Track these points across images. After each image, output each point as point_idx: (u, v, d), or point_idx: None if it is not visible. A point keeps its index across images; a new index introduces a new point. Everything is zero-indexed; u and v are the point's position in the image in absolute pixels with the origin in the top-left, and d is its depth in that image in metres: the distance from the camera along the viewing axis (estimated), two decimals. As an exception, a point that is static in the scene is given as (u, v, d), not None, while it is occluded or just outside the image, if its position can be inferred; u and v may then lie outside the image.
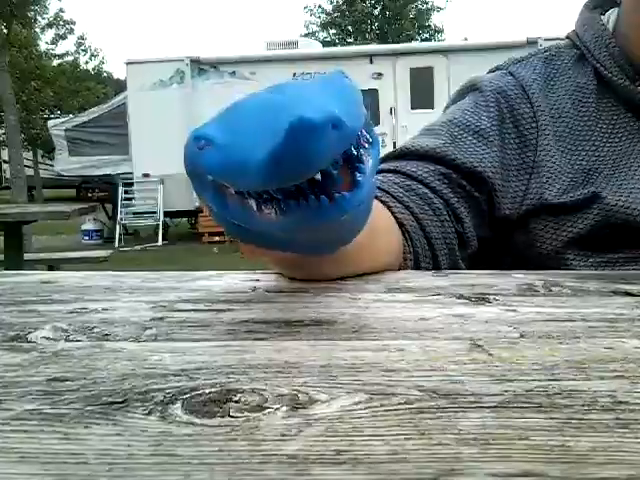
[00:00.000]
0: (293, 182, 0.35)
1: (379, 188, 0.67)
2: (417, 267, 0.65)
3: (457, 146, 0.73)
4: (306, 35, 23.08)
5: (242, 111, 0.37)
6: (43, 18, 18.68)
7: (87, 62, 22.52)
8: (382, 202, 0.65)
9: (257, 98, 0.38)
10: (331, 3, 24.99)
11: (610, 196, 0.70)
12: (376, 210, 0.62)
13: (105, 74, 23.80)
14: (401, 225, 0.64)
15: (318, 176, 0.36)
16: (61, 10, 19.75)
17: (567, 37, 0.83)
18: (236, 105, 0.38)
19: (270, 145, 0.33)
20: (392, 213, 0.65)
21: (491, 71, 0.83)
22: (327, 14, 25.13)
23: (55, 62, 20.42)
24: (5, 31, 10.49)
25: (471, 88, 0.81)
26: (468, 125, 0.75)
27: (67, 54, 21.31)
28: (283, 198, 0.37)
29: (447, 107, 0.83)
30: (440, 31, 25.85)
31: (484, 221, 0.73)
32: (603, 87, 0.76)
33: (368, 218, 0.45)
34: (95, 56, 22.56)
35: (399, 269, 0.63)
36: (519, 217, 0.73)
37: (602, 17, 0.81)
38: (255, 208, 0.38)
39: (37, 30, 18.37)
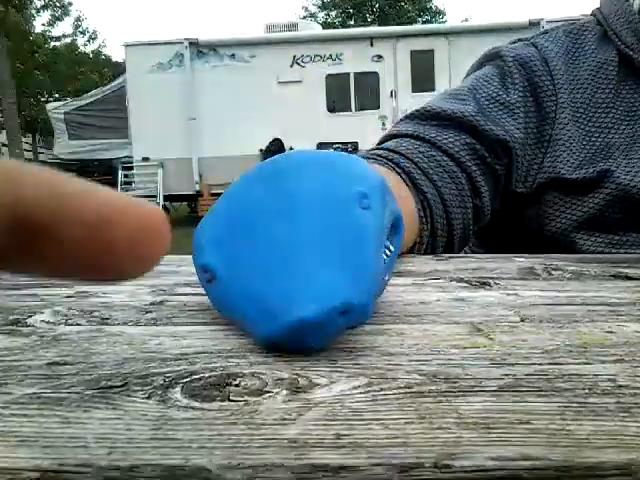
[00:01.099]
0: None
1: (405, 156, 0.67)
2: (433, 239, 0.66)
3: (485, 116, 0.72)
4: (305, 17, 22.92)
5: (243, 231, 0.33)
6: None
7: (86, 44, 22.38)
8: (408, 174, 0.65)
9: (261, 216, 0.33)
10: None
11: (623, 175, 0.70)
12: (398, 191, 0.62)
13: (103, 57, 23.64)
14: (425, 199, 0.65)
15: None
16: None
17: (591, 14, 0.83)
18: (236, 214, 0.34)
19: (266, 328, 0.30)
20: (417, 185, 0.65)
21: (513, 42, 0.83)
22: None
23: (52, 44, 20.30)
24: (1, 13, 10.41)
25: (494, 56, 0.80)
26: (494, 96, 0.75)
27: (64, 36, 21.16)
28: None
29: (468, 74, 0.82)
30: (442, 13, 25.66)
31: (498, 194, 0.74)
32: (625, 66, 0.76)
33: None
34: (94, 39, 22.39)
35: (413, 245, 0.63)
36: (532, 192, 0.73)
37: None
38: None
39: (32, 12, 18.24)
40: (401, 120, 0.77)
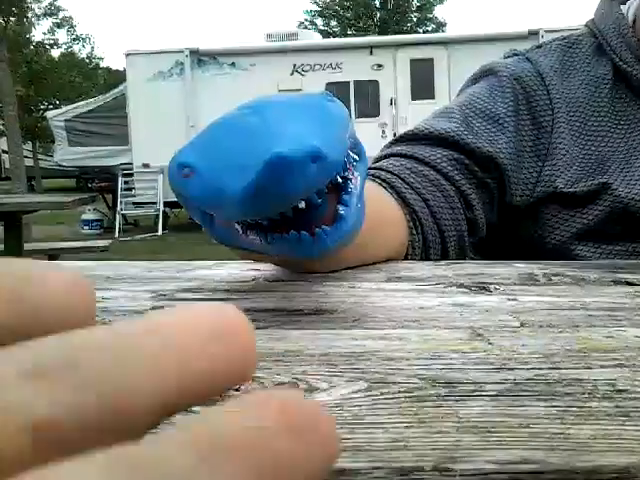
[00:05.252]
0: (272, 214, 0.35)
1: (391, 172, 0.67)
2: (426, 254, 0.66)
3: (471, 130, 0.72)
4: (305, 26, 23.00)
5: (221, 136, 0.36)
6: (39, 8, 18.66)
7: (80, 50, 22.48)
8: (394, 188, 0.65)
9: (236, 121, 0.37)
10: None
11: (621, 187, 0.70)
12: (382, 201, 0.62)
13: (99, 61, 23.71)
14: (413, 212, 0.64)
15: (302, 204, 0.35)
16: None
17: (586, 25, 0.82)
18: (215, 128, 0.37)
19: (246, 179, 0.32)
20: (403, 199, 0.64)
21: (507, 56, 0.82)
22: (327, 4, 24.98)
23: (51, 52, 20.43)
24: (2, 22, 10.47)
25: (487, 72, 0.80)
26: (483, 110, 0.74)
27: (56, 45, 21.24)
28: (266, 228, 0.37)
29: (462, 90, 0.82)
30: (443, 24, 25.67)
31: (494, 208, 0.73)
32: (619, 78, 0.76)
33: (359, 230, 0.43)
34: (85, 40, 22.38)
35: (406, 257, 0.63)
36: (529, 205, 0.73)
37: (622, 7, 0.80)
38: (240, 232, 0.38)
39: (32, 20, 18.35)
40: (391, 143, 0.77)
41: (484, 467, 0.21)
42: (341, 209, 0.38)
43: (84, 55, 22.68)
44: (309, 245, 0.37)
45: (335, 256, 0.45)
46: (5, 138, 11.19)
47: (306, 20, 25.20)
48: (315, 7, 25.36)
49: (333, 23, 25.06)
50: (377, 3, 24.65)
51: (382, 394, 0.26)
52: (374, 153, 0.77)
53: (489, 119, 0.74)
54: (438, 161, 0.69)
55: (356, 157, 0.42)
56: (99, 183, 11.12)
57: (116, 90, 11.30)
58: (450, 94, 8.42)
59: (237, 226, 0.39)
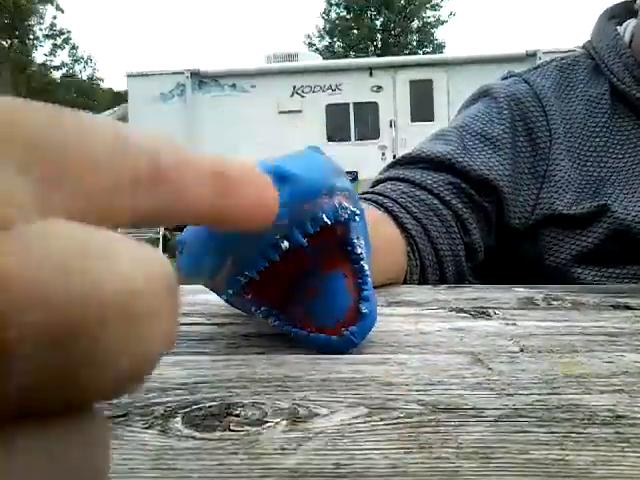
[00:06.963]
0: None
1: (388, 197, 0.68)
2: (424, 279, 0.65)
3: (468, 153, 0.72)
4: (310, 43, 23.21)
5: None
6: (40, 29, 18.90)
7: (81, 71, 22.73)
8: (391, 213, 0.65)
9: None
10: (337, 16, 25.10)
11: (621, 209, 0.70)
12: (380, 227, 0.63)
13: (100, 82, 23.93)
14: (410, 237, 0.65)
15: (285, 244, 0.33)
16: (54, 17, 20.03)
17: (583, 47, 0.83)
18: None
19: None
20: (401, 224, 0.65)
21: (505, 78, 0.83)
22: (331, 25, 25.17)
23: (53, 74, 20.68)
24: (6, 45, 10.57)
25: (484, 94, 0.80)
26: (479, 132, 0.74)
27: (62, 66, 21.48)
28: (289, 325, 0.38)
29: (459, 112, 0.83)
30: (442, 46, 25.85)
31: (492, 231, 0.73)
32: (617, 98, 0.76)
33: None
34: (87, 62, 22.58)
35: (404, 282, 0.63)
36: (528, 228, 0.73)
37: (619, 28, 0.80)
38: (252, 310, 0.39)
39: (34, 42, 18.58)
40: (388, 166, 0.77)
41: (484, 494, 0.21)
42: (364, 308, 0.36)
43: (85, 77, 22.91)
44: (338, 346, 0.36)
45: None
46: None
47: (309, 38, 25.44)
48: (317, 30, 25.61)
49: (337, 44, 25.25)
50: (378, 24, 24.86)
51: (382, 420, 0.27)
52: (375, 175, 0.77)
53: (486, 141, 0.74)
54: (435, 185, 0.70)
55: (354, 209, 0.38)
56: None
57: (117, 111, 11.36)
58: (449, 115, 8.47)
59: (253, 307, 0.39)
